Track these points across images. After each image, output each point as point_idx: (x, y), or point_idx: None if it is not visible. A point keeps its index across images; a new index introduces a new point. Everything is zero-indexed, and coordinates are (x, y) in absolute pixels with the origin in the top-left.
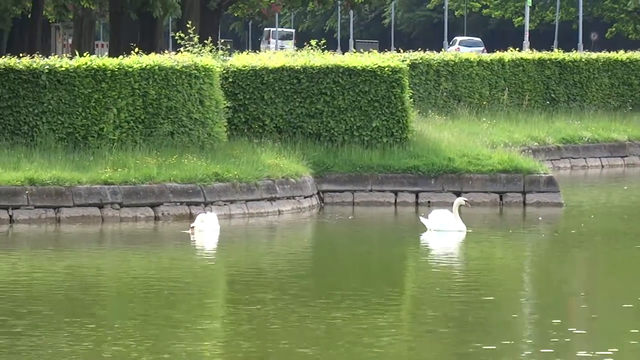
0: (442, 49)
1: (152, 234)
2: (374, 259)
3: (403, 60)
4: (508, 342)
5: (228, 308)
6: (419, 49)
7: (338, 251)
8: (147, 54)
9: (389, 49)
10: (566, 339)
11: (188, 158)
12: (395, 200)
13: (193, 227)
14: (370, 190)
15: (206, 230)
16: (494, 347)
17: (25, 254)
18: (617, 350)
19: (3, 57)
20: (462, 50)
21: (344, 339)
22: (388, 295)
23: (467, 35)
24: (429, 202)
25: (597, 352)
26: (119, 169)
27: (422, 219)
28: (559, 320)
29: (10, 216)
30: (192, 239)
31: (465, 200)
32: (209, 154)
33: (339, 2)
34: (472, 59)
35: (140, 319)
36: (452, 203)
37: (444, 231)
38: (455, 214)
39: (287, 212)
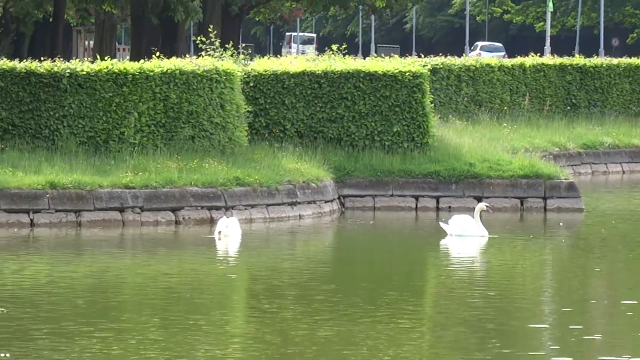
0: (464, 54)
1: (173, 238)
2: (395, 264)
3: (424, 65)
4: (529, 349)
5: (249, 313)
6: (440, 54)
7: (359, 256)
8: (168, 58)
9: (410, 54)
10: (586, 345)
11: (209, 162)
12: (416, 205)
13: (220, 232)
14: (391, 195)
15: (231, 234)
16: (515, 354)
17: (46, 257)
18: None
19: (24, 60)
20: (483, 55)
21: (364, 345)
22: (409, 301)
23: (488, 41)
24: (449, 207)
25: (617, 358)
26: (140, 173)
27: (442, 225)
28: (580, 326)
29: (31, 220)
30: (218, 244)
31: (487, 206)
32: (229, 158)
33: (361, 6)
34: (493, 64)
35: (161, 324)
36: (473, 208)
37: (465, 236)
38: (477, 220)
39: (307, 216)
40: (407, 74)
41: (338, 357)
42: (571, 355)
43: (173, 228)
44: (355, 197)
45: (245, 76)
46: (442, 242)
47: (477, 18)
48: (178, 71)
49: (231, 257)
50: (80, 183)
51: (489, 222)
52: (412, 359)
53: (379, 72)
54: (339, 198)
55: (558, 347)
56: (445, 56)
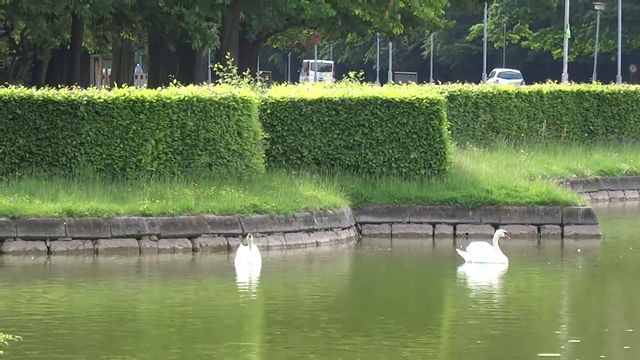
0: (481, 81)
1: (190, 265)
2: (413, 292)
3: (441, 92)
4: None
5: (265, 342)
6: (458, 81)
7: (376, 283)
8: (185, 86)
9: (428, 81)
10: None
11: (226, 189)
12: (433, 232)
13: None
14: (408, 222)
15: (254, 262)
16: None
17: (63, 285)
18: None
19: (42, 88)
20: (501, 82)
21: None
22: (427, 328)
23: (505, 67)
24: (466, 234)
25: None
26: (157, 200)
27: (459, 252)
28: (603, 356)
29: (48, 247)
30: (237, 271)
31: (505, 232)
32: (246, 186)
33: (378, 33)
34: (510, 91)
35: (177, 354)
36: (491, 235)
37: (485, 263)
38: (496, 246)
39: (324, 243)
40: (424, 100)
41: None
42: None
43: (190, 255)
44: (372, 224)
45: (263, 103)
46: (460, 269)
47: (495, 45)
48: (195, 98)
49: (247, 285)
50: (97, 211)
51: (506, 249)
52: None
53: (396, 99)
54: (356, 225)
55: None
56: (463, 83)
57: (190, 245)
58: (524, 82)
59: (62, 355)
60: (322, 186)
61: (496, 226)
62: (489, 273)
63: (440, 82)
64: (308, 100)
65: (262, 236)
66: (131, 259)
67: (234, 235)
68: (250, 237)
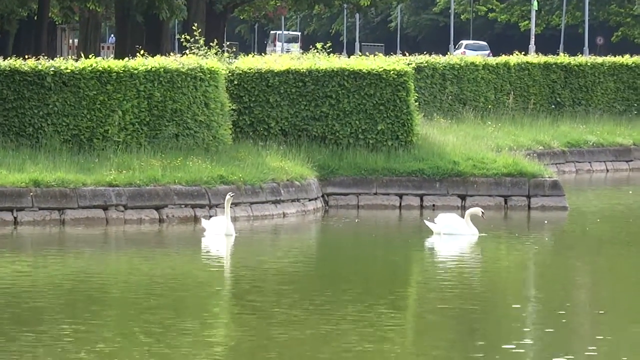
0: (448, 53)
1: (156, 236)
2: (380, 262)
3: (408, 64)
4: (508, 346)
5: (231, 311)
6: (425, 53)
7: (343, 254)
8: (152, 56)
9: (395, 52)
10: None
11: (193, 160)
12: (400, 204)
13: (230, 196)
14: (375, 194)
15: (233, 234)
16: (494, 351)
17: (29, 255)
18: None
19: (8, 58)
20: (468, 53)
21: (347, 342)
22: (392, 298)
23: (473, 39)
24: (433, 205)
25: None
26: (124, 171)
27: (428, 223)
28: (564, 320)
29: (15, 218)
30: (203, 241)
31: (482, 212)
32: (213, 157)
33: (345, 5)
34: (477, 63)
35: (142, 322)
36: (457, 207)
37: (455, 235)
38: (467, 220)
39: (291, 215)
40: (391, 72)
41: (315, 356)
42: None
43: (157, 226)
44: (339, 196)
45: (230, 74)
46: (428, 240)
47: (462, 16)
48: (162, 69)
49: (214, 255)
50: (64, 181)
51: (474, 221)
52: (395, 356)
53: (364, 70)
54: (323, 196)
55: (539, 345)
56: (430, 55)
57: (156, 216)
58: (491, 54)
59: (27, 324)
60: (289, 157)
61: (463, 197)
62: (457, 245)
63: (407, 54)
64: (275, 71)
65: (229, 207)
66: (98, 229)
67: (201, 206)
68: (230, 197)
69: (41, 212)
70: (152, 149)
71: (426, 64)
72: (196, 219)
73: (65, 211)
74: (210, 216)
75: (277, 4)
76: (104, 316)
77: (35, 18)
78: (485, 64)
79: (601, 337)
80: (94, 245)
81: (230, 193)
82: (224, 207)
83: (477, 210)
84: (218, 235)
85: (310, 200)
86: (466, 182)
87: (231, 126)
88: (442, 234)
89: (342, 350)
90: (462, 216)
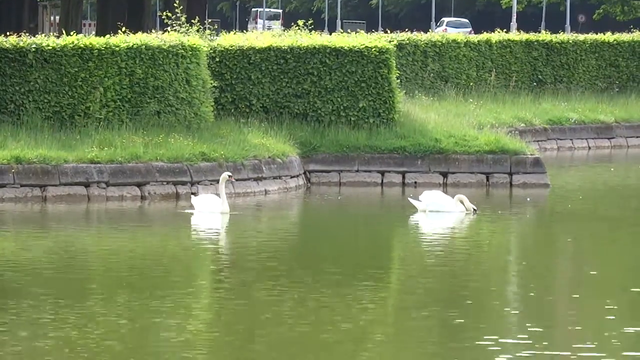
0: (430, 30)
1: (138, 213)
2: (362, 239)
3: (390, 41)
4: (491, 320)
5: (212, 289)
6: (406, 30)
7: (326, 232)
8: (134, 33)
9: (377, 30)
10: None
11: (174, 137)
12: (382, 181)
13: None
14: (357, 171)
15: (227, 212)
16: (478, 325)
17: (11, 232)
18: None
19: None
20: (450, 31)
21: (328, 318)
22: (374, 274)
23: (454, 16)
24: (415, 182)
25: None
26: (106, 148)
27: (412, 200)
28: (550, 297)
29: None
30: (190, 218)
31: (475, 210)
32: (195, 134)
33: None
34: (459, 40)
35: (125, 299)
36: (439, 184)
37: (442, 212)
38: (456, 202)
39: (273, 192)
40: (373, 49)
41: (302, 331)
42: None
43: (138, 203)
44: (321, 173)
45: (211, 51)
46: (412, 217)
47: None
48: (144, 46)
49: (196, 232)
50: (45, 158)
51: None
52: (376, 331)
53: (345, 47)
54: (304, 173)
55: (517, 312)
56: (412, 32)
57: (138, 193)
58: (472, 32)
59: (8, 300)
60: (270, 134)
61: (445, 175)
62: (441, 222)
63: (389, 31)
64: (257, 48)
65: (211, 184)
66: (79, 206)
67: (183, 183)
68: (227, 178)
69: (22, 189)
70: (133, 126)
71: (408, 42)
72: (178, 196)
73: (47, 188)
74: (194, 193)
75: None
76: (86, 291)
77: None
78: (467, 41)
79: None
80: (75, 222)
81: (227, 173)
82: (206, 185)
83: (470, 206)
84: (212, 213)
85: (292, 177)
86: (448, 160)
87: (213, 103)
88: (427, 212)
89: (323, 325)
90: (446, 194)
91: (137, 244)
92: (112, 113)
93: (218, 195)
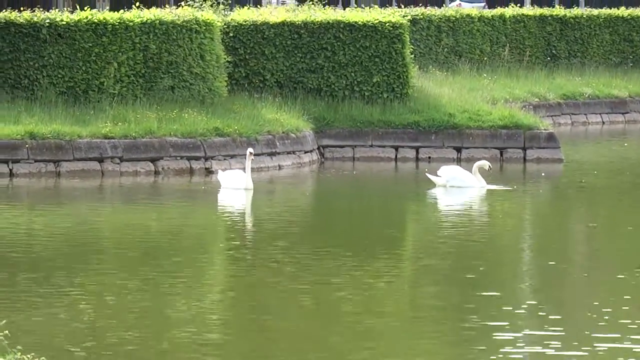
0: (444, 5)
1: (152, 188)
2: (378, 214)
3: (404, 16)
4: (499, 294)
5: (227, 264)
6: (420, 5)
7: (342, 206)
8: (148, 8)
9: (391, 4)
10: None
11: (188, 112)
12: (396, 156)
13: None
14: (371, 146)
15: (250, 188)
16: (492, 296)
17: (26, 207)
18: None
19: (4, 10)
20: (464, 5)
21: (342, 290)
22: (390, 248)
23: None
24: (429, 157)
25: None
26: (119, 123)
27: (430, 176)
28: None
29: (10, 170)
30: (204, 194)
31: (489, 166)
32: (209, 109)
33: None
34: (473, 15)
35: (141, 271)
36: (452, 158)
37: (463, 187)
38: (475, 173)
39: (287, 167)
40: (387, 24)
41: (313, 304)
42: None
43: (152, 178)
44: (334, 148)
45: (225, 26)
46: (431, 192)
47: None
48: (158, 21)
49: (210, 207)
50: (59, 133)
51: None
52: (391, 302)
53: (359, 22)
54: (318, 148)
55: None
56: (425, 7)
57: (152, 168)
58: (486, 6)
59: (23, 273)
60: (284, 109)
61: (458, 150)
62: (461, 197)
63: (402, 6)
64: (271, 23)
65: (225, 159)
66: (93, 181)
67: (196, 158)
68: (250, 155)
69: (37, 164)
70: (147, 101)
71: (422, 16)
72: (192, 171)
73: (61, 163)
74: (208, 169)
75: None
76: (101, 263)
77: None
78: (481, 16)
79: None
80: (89, 198)
81: (250, 150)
82: (219, 160)
83: (484, 163)
84: (237, 189)
85: (305, 152)
86: (462, 135)
87: (226, 78)
88: (447, 186)
89: (335, 297)
90: (462, 167)
91: (150, 219)
92: (125, 88)
93: (244, 170)
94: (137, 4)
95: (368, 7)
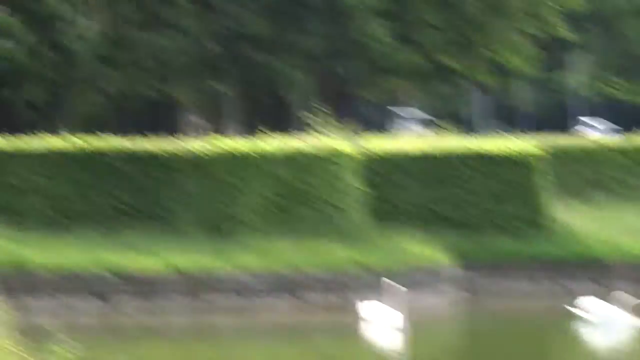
0: (573, 131)
1: (301, 324)
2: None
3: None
4: None
5: None
6: (544, 130)
7: (499, 342)
8: (280, 136)
9: (513, 128)
10: None
11: (326, 244)
12: (535, 289)
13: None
14: (512, 279)
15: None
16: None
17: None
18: None
19: (134, 139)
20: (589, 131)
21: None
22: None
23: (591, 116)
24: (570, 290)
25: None
26: (260, 256)
27: (576, 311)
28: None
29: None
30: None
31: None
32: (347, 240)
33: (473, 86)
34: (612, 146)
35: None
36: (595, 291)
37: (610, 324)
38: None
39: (428, 301)
40: (520, 154)
41: None
42: None
43: (296, 312)
44: (478, 281)
45: (365, 158)
46: (581, 329)
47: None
48: (294, 151)
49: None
50: (200, 267)
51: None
52: None
53: (493, 152)
54: (462, 282)
55: None
56: (550, 132)
57: (295, 302)
58: (615, 132)
59: None
60: (424, 242)
61: (599, 283)
62: (611, 335)
63: (525, 132)
64: (410, 156)
65: (367, 293)
66: (243, 318)
67: (339, 292)
68: (396, 290)
69: (181, 298)
70: (285, 233)
71: (556, 147)
72: (338, 306)
73: (206, 298)
74: (363, 301)
75: (400, 85)
76: None
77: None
78: (621, 148)
79: None
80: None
81: (400, 287)
82: (362, 293)
83: (628, 300)
84: (389, 327)
85: (446, 286)
86: (602, 267)
87: (364, 209)
88: (596, 323)
89: None
90: (604, 300)
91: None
92: (262, 219)
93: (390, 306)
94: (269, 132)
95: (497, 134)
